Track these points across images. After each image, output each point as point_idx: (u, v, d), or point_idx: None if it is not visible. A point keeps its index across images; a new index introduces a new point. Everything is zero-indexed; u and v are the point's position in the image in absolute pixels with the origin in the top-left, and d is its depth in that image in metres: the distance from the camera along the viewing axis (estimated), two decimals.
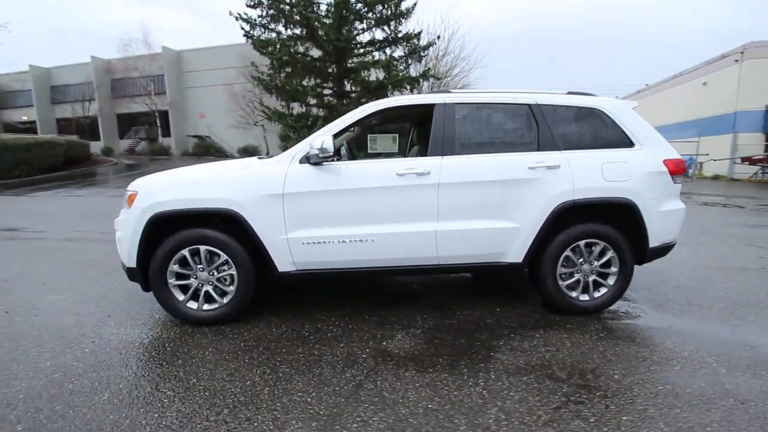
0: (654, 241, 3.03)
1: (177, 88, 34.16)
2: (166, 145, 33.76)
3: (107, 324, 2.91)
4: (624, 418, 1.85)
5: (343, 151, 3.61)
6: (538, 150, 2.95)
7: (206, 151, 32.33)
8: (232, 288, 2.83)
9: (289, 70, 16.57)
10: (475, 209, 2.87)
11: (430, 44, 17.38)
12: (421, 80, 16.74)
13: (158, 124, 34.74)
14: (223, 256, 2.77)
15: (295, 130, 16.20)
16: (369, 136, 5.55)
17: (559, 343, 2.61)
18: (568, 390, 2.09)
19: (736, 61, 19.01)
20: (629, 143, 3.06)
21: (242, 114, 31.23)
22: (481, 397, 2.02)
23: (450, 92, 3.04)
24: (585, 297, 3.06)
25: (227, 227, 2.80)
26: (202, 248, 2.76)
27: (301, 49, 17.09)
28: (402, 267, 2.92)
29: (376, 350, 2.52)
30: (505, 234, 2.90)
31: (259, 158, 3.42)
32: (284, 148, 15.84)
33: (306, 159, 2.77)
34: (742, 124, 19.23)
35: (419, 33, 17.09)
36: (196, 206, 2.71)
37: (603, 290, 3.07)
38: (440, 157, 2.85)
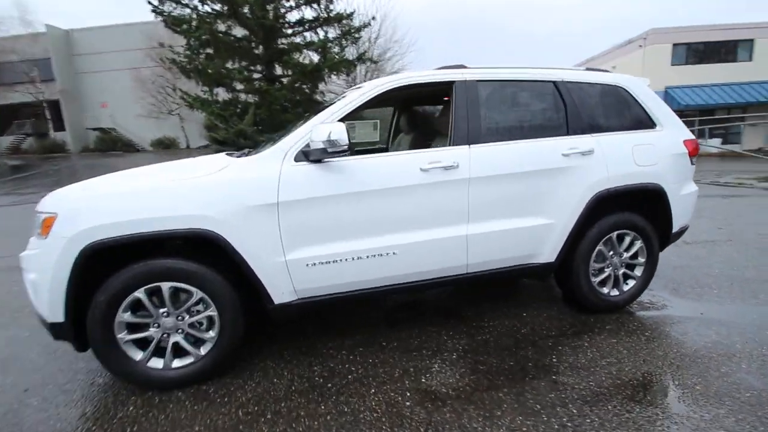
0: (675, 226, 2.88)
1: (69, 74, 29.32)
2: (61, 140, 29.06)
3: (26, 404, 2.02)
4: None
5: None
6: (568, 134, 2.58)
7: (112, 145, 28.40)
8: (211, 334, 2.10)
9: (210, 51, 14.80)
10: (507, 206, 2.44)
11: (365, 25, 16.61)
12: (357, 63, 16.00)
13: (48, 117, 29.68)
14: (197, 293, 2.03)
15: (224, 118, 14.62)
16: (346, 123, 4.83)
17: (614, 352, 2.31)
18: (663, 414, 1.78)
19: (640, 46, 20.97)
20: (651, 124, 2.83)
21: (154, 102, 27.89)
22: None
23: (466, 67, 2.53)
24: (615, 292, 2.82)
25: (200, 253, 2.06)
26: (166, 286, 1.99)
27: (222, 27, 15.34)
28: (426, 281, 2.41)
29: (419, 392, 2.01)
30: (539, 232, 2.52)
31: (228, 155, 2.65)
32: (211, 139, 14.23)
33: (303, 155, 2.11)
34: None
35: (352, 13, 16.25)
36: (152, 228, 1.92)
37: (631, 283, 2.85)
38: (467, 146, 2.35)
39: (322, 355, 2.39)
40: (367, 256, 2.21)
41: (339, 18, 16.11)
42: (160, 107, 27.36)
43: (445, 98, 3.55)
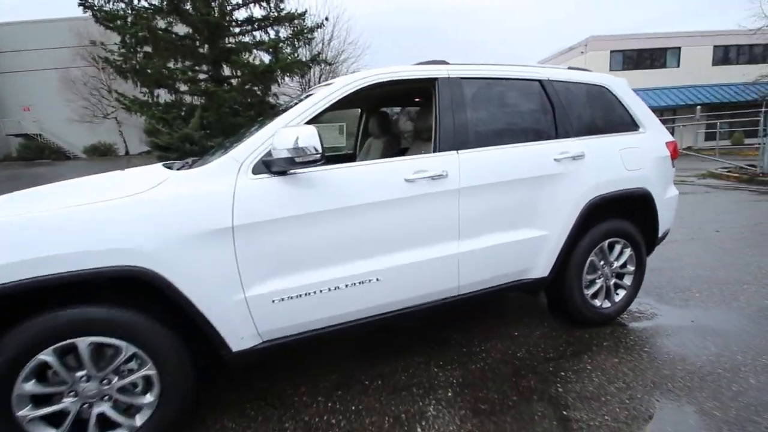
0: (660, 231, 2.78)
1: None
2: None
3: None
4: None
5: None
6: (557, 137, 2.38)
7: (39, 153, 25.63)
8: (149, 398, 1.64)
9: (148, 49, 13.71)
10: (500, 219, 2.18)
11: (318, 26, 16.13)
12: (311, 65, 15.50)
13: None
14: (127, 348, 1.56)
15: (166, 122, 13.54)
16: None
17: (620, 374, 2.12)
18: None
19: (582, 52, 22.16)
20: (635, 126, 2.70)
21: (86, 105, 25.59)
22: None
23: (448, 63, 2.25)
24: (607, 304, 2.65)
25: (128, 296, 1.60)
26: (84, 342, 1.51)
27: (162, 24, 14.29)
28: (412, 308, 2.08)
29: None
30: (534, 245, 2.29)
31: (166, 166, 2.18)
32: (152, 145, 13.11)
33: (264, 166, 1.71)
34: None
35: (304, 13, 15.73)
36: (61, 269, 1.44)
37: (621, 293, 2.70)
38: (455, 152, 2.06)
39: (294, 405, 1.99)
40: (346, 285, 1.85)
41: (290, 17, 15.56)
42: (94, 110, 25.15)
43: (417, 99, 3.27)
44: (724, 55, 22.93)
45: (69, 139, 26.55)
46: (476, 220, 2.09)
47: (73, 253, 1.44)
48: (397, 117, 3.42)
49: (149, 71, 13.43)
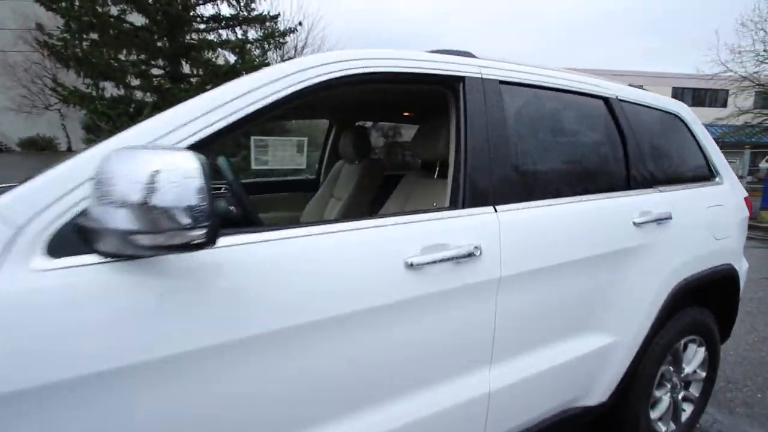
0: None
1: None
2: None
3: None
4: None
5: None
6: (629, 186, 1.56)
7: None
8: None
9: (95, 36, 12.34)
10: (553, 323, 1.31)
11: (291, 30, 15.28)
12: None
13: None
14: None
15: (109, 118, 12.06)
16: (254, 140, 3.13)
17: None
18: None
19: None
20: (712, 172, 1.96)
21: (26, 93, 23.22)
22: None
23: (475, 57, 1.37)
24: (673, 426, 1.83)
25: None
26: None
27: (114, 11, 13.02)
28: None
29: None
30: (596, 358, 1.43)
31: None
32: (90, 143, 11.70)
33: (80, 239, 0.72)
34: None
35: (276, 16, 14.90)
36: None
37: (688, 408, 1.89)
38: (490, 208, 1.17)
39: None
40: None
41: (261, 19, 14.67)
42: (34, 100, 22.79)
43: (406, 113, 2.39)
44: (681, 98, 24.21)
45: (5, 130, 23.83)
46: (519, 330, 1.21)
47: None
48: (382, 134, 2.51)
49: (94, 60, 12.04)
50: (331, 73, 1.02)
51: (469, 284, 1.06)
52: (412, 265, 0.97)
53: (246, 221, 1.18)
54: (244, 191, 1.26)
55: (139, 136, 0.81)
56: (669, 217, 1.54)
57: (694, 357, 1.84)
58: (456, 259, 1.03)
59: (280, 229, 0.89)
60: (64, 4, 12.23)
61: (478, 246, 1.07)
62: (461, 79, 1.23)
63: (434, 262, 1.00)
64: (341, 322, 0.90)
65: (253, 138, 2.89)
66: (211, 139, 0.85)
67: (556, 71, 1.49)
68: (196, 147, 0.83)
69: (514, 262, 1.13)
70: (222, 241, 0.80)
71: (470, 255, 1.05)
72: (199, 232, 0.64)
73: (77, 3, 12.35)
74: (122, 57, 13.22)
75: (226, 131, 0.87)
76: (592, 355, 1.40)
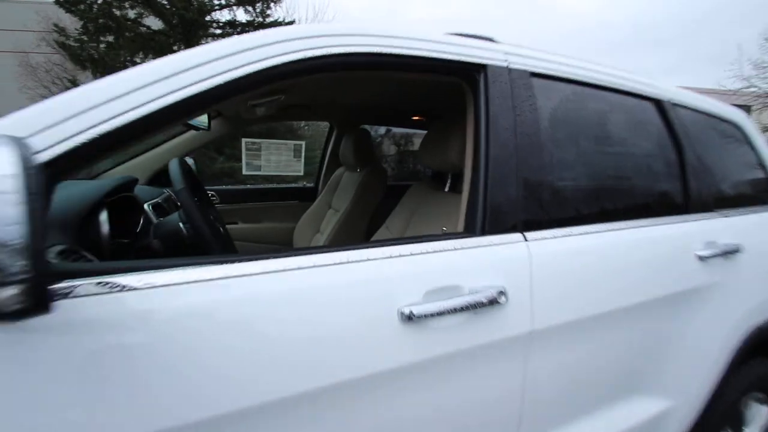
0: None
1: None
2: None
3: None
4: None
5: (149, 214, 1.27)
6: (687, 209, 1.25)
7: None
8: None
9: (111, 39, 12.57)
10: (596, 386, 1.01)
11: None
12: None
13: None
14: None
15: None
16: (245, 142, 2.87)
17: None
18: None
19: None
20: None
21: (45, 93, 23.79)
22: None
23: (497, 42, 1.09)
24: None
25: None
26: None
27: (132, 14, 13.24)
28: None
29: None
30: (647, 430, 1.11)
31: None
32: None
33: None
34: None
35: (292, 22, 15.00)
36: None
37: None
38: (519, 235, 0.88)
39: None
40: None
41: (277, 25, 14.77)
42: None
43: (414, 112, 2.12)
44: None
45: None
46: (555, 399, 0.91)
47: None
48: (389, 139, 2.25)
49: (108, 62, 12.21)
50: (308, 50, 0.75)
51: (490, 342, 0.77)
52: (410, 316, 0.69)
53: (206, 245, 0.92)
54: (208, 203, 1.00)
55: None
56: (738, 250, 1.23)
57: (756, 417, 1.52)
58: (472, 308, 0.74)
59: (204, 263, 0.61)
60: (82, 6, 12.49)
61: (503, 290, 0.78)
62: (482, 67, 0.95)
63: (441, 313, 0.71)
64: (297, 405, 0.62)
65: (244, 140, 2.65)
66: (124, 134, 0.59)
67: (601, 65, 1.20)
68: (91, 146, 0.57)
69: (551, 311, 0.84)
70: (127, 280, 0.53)
71: (492, 302, 0.76)
72: (10, 293, 0.37)
73: (95, 6, 12.63)
74: (138, 60, 13.43)
75: (142, 125, 0.60)
76: (644, 426, 1.09)
